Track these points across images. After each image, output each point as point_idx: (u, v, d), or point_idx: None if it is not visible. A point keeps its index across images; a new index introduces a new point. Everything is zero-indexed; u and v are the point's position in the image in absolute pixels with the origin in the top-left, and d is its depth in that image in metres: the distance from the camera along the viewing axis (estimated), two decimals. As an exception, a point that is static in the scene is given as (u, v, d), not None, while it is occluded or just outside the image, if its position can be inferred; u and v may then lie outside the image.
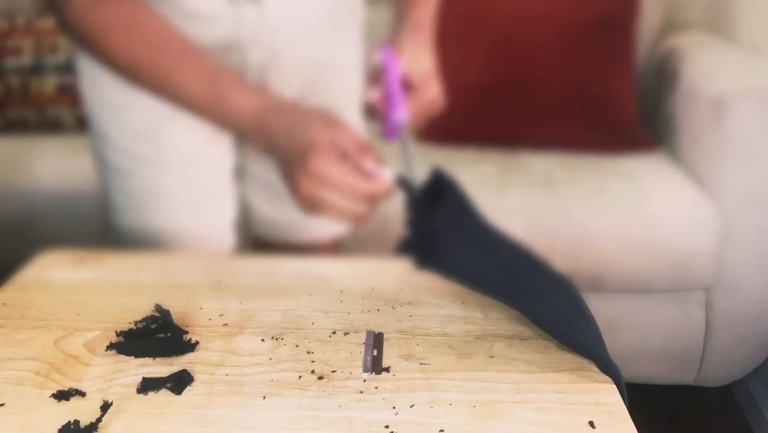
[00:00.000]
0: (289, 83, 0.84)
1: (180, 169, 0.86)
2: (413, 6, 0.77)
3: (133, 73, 0.72)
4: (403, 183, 0.63)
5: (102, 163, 0.89)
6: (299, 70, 0.84)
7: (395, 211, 0.75)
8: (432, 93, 0.74)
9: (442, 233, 0.61)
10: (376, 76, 0.72)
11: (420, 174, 0.66)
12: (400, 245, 0.63)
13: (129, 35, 0.70)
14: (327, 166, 0.60)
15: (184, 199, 0.87)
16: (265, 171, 0.93)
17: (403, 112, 0.69)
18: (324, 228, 0.99)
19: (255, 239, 1.01)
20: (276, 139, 0.65)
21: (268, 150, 0.67)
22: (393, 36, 0.76)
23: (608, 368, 0.58)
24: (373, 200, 0.62)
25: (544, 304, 0.63)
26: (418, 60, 0.74)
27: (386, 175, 0.63)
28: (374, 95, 0.70)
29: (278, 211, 0.95)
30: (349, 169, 0.61)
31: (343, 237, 1.03)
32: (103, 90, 0.83)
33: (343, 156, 0.62)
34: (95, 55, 0.73)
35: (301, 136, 0.63)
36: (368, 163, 0.62)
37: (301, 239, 0.99)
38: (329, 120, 0.65)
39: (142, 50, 0.70)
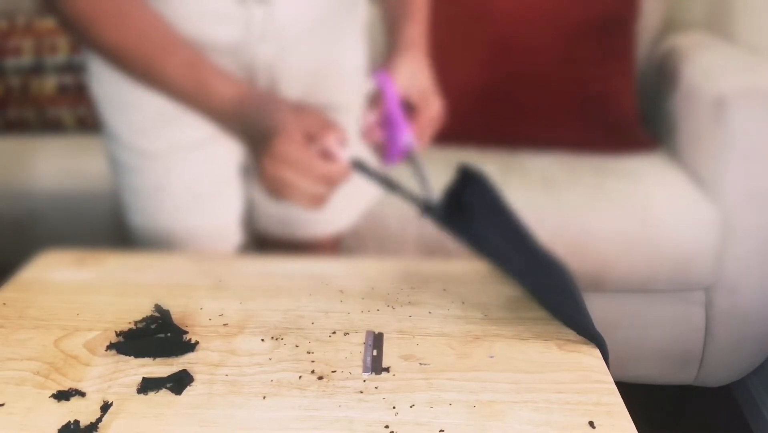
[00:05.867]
0: (295, 81, 0.84)
1: (186, 165, 0.87)
2: (405, 25, 0.78)
3: (119, 60, 0.73)
4: (359, 165, 0.66)
5: (113, 162, 0.90)
6: (305, 68, 0.85)
7: (395, 211, 0.76)
8: (433, 110, 0.75)
9: (474, 213, 0.66)
10: (374, 101, 0.73)
11: (434, 188, 0.68)
12: (428, 207, 0.67)
13: (115, 23, 0.71)
14: (290, 149, 0.63)
15: (190, 196, 0.88)
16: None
17: (409, 135, 0.70)
18: (325, 225, 0.99)
19: (257, 236, 1.01)
20: (250, 126, 0.68)
21: (243, 136, 0.70)
22: (388, 57, 0.77)
23: (595, 338, 0.62)
24: (330, 182, 0.65)
25: (548, 282, 0.67)
26: (415, 79, 0.75)
27: (344, 156, 0.65)
28: (371, 119, 0.72)
29: (281, 208, 0.96)
30: (312, 152, 0.64)
31: (344, 234, 1.03)
32: (111, 88, 0.84)
33: (310, 140, 0.65)
34: (84, 42, 0.75)
35: (270, 121, 0.66)
36: (330, 142, 0.65)
37: (303, 235, 0.99)
38: (297, 106, 0.68)
39: (128, 38, 0.71)
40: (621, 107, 1.47)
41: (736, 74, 1.26)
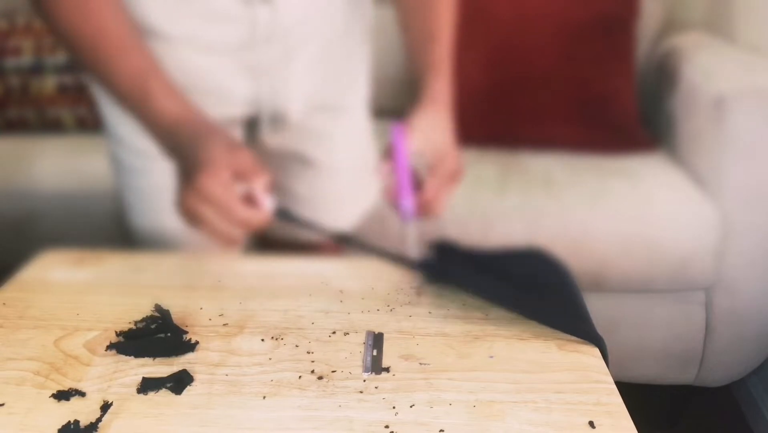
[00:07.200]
0: (302, 84, 0.84)
1: None
2: (429, 79, 0.77)
3: (76, 54, 0.73)
4: (283, 214, 0.66)
5: (115, 163, 0.90)
6: (311, 70, 0.84)
7: (394, 211, 0.76)
8: (451, 166, 0.74)
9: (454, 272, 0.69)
10: (386, 155, 0.73)
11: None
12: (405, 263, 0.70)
13: (78, 17, 0.71)
14: (213, 187, 0.62)
15: None
16: (271, 170, 0.93)
17: (409, 202, 0.71)
18: (329, 227, 0.99)
19: (260, 238, 1.01)
20: (181, 150, 0.68)
21: (174, 157, 0.69)
22: (411, 111, 0.77)
23: (594, 339, 0.62)
24: (248, 227, 0.64)
25: (530, 300, 0.67)
26: (433, 135, 0.74)
27: (267, 204, 0.65)
28: (384, 170, 0.72)
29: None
30: (234, 194, 0.63)
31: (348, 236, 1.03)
32: None
33: (236, 179, 0.63)
34: (49, 28, 0.74)
35: (201, 152, 0.64)
36: (257, 188, 0.64)
37: (306, 237, 0.99)
38: (230, 143, 0.66)
39: (87, 34, 0.71)
40: (621, 107, 1.47)
41: (736, 74, 1.26)
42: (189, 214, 0.64)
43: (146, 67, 0.71)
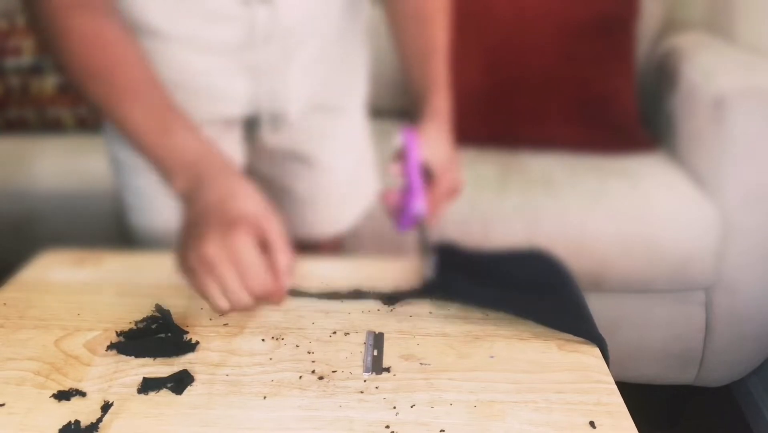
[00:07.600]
0: (301, 84, 0.84)
1: None
2: (431, 96, 0.79)
3: (84, 89, 0.68)
4: (295, 293, 0.68)
5: (114, 162, 0.90)
6: (311, 71, 0.84)
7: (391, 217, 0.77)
8: (451, 180, 0.76)
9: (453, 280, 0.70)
10: (397, 157, 0.75)
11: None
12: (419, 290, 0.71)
13: (93, 50, 0.66)
14: (243, 245, 0.56)
15: None
16: (271, 169, 0.93)
17: (422, 204, 0.71)
18: (326, 226, 1.00)
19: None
20: (202, 193, 0.61)
21: (188, 197, 0.63)
22: (417, 122, 0.78)
23: (595, 339, 0.62)
24: (263, 296, 0.58)
25: (531, 302, 0.67)
26: (438, 148, 0.76)
27: (286, 282, 0.59)
28: (394, 170, 0.73)
29: (281, 209, 0.96)
30: (261, 261, 0.57)
31: (345, 235, 1.04)
32: None
33: (261, 244, 0.57)
34: (55, 58, 0.69)
35: (232, 207, 0.59)
36: (282, 261, 0.58)
37: (304, 236, 0.99)
38: (263, 205, 0.60)
39: (99, 70, 0.66)
40: (621, 107, 1.47)
41: (736, 74, 1.26)
42: (203, 261, 0.57)
43: (163, 104, 0.67)
